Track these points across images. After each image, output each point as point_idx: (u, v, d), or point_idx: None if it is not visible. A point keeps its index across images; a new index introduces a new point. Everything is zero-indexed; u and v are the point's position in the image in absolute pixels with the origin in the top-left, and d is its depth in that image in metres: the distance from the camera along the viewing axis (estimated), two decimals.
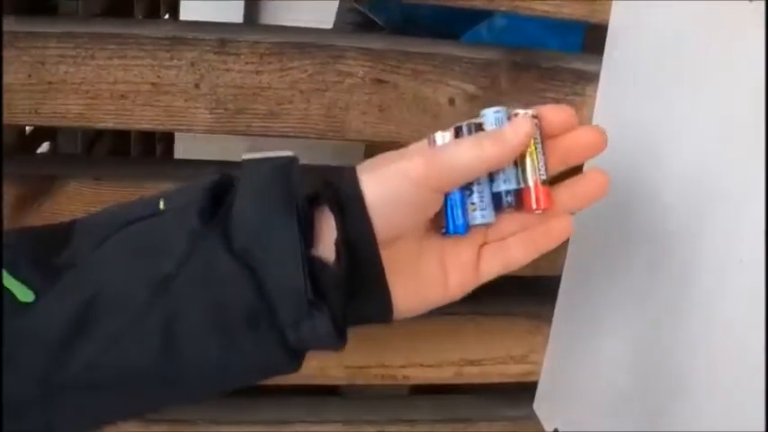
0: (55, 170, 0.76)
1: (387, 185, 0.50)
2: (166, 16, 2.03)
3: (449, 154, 0.50)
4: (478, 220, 0.52)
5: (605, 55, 0.75)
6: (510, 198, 0.52)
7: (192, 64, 0.71)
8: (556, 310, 0.83)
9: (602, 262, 0.75)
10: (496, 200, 0.53)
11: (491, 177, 0.53)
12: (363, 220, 0.50)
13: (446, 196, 0.52)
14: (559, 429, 0.82)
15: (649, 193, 0.68)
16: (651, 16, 0.68)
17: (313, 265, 0.48)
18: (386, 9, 1.61)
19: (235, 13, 2.42)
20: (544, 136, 0.52)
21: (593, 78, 0.76)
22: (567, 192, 0.54)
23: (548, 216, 0.54)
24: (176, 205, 0.50)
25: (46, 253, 0.50)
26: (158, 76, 0.72)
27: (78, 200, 0.75)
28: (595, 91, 0.76)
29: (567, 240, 0.78)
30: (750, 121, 0.55)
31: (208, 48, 0.71)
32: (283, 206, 0.49)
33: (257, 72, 0.72)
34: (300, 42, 0.72)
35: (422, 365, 0.85)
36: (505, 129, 0.51)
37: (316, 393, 0.88)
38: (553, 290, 0.82)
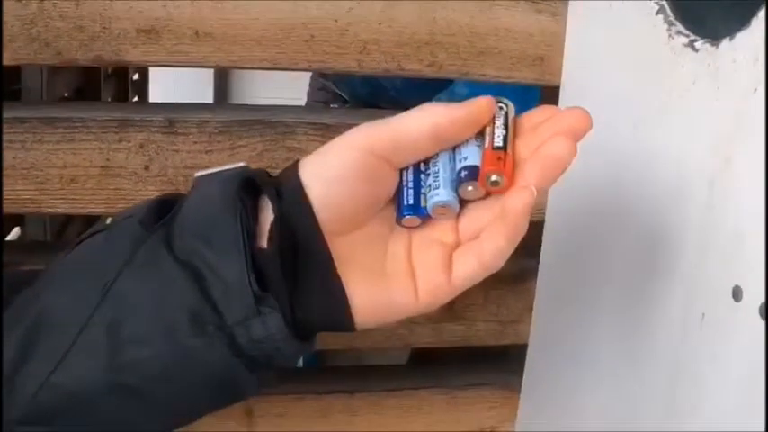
0: (14, 257, 0.75)
1: (328, 159, 0.48)
2: (135, 98, 2.05)
3: (395, 119, 0.48)
4: (432, 199, 0.49)
5: None
6: (465, 173, 0.48)
7: (141, 146, 0.71)
8: (524, 379, 0.82)
9: (568, 328, 0.74)
10: (457, 182, 0.49)
11: (453, 160, 0.50)
12: (300, 198, 0.47)
13: (401, 179, 0.50)
14: None
15: (608, 258, 0.67)
16: (601, 77, 0.68)
17: (257, 257, 0.47)
18: (351, 83, 1.62)
19: (205, 94, 2.43)
20: (525, 129, 0.50)
21: None
22: (532, 163, 0.48)
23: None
24: (122, 218, 0.50)
25: (8, 290, 0.49)
26: (107, 159, 0.71)
27: None
28: None
29: (531, 308, 0.78)
30: (711, 170, 0.55)
31: (156, 129, 0.71)
32: (227, 203, 0.47)
33: (206, 152, 0.72)
34: (249, 120, 0.72)
35: None
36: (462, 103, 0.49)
37: None
38: (521, 358, 0.81)
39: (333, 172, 0.48)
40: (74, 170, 0.71)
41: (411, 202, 0.49)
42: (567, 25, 0.74)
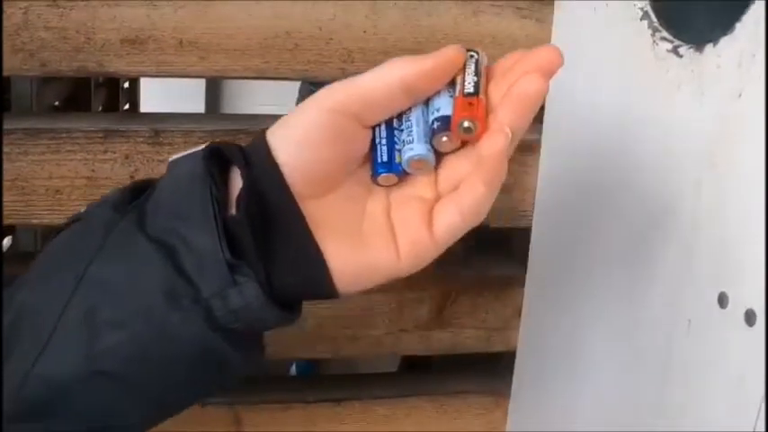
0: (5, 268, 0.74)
1: (295, 122, 0.47)
2: (126, 107, 2.04)
3: (362, 76, 0.47)
4: (407, 154, 0.47)
5: (544, 123, 0.75)
6: (437, 124, 0.47)
7: (127, 156, 0.71)
8: (513, 386, 0.81)
9: (556, 334, 0.74)
10: (431, 134, 0.47)
11: (426, 113, 0.48)
12: (268, 163, 0.46)
13: (374, 137, 0.48)
14: None
15: (595, 265, 0.67)
16: (587, 82, 0.68)
17: (228, 226, 0.45)
18: None
19: (196, 102, 2.42)
20: (497, 75, 0.48)
21: (532, 148, 0.75)
22: (503, 104, 0.46)
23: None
24: (94, 206, 0.50)
25: None
26: (93, 170, 0.71)
27: None
28: (536, 160, 0.75)
29: (519, 315, 0.78)
30: (696, 176, 0.55)
31: (141, 139, 0.71)
32: (196, 176, 0.46)
33: None
34: (233, 129, 0.72)
35: None
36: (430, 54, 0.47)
37: None
38: (509, 365, 0.81)
39: (300, 134, 0.47)
40: (59, 181, 0.71)
41: (385, 159, 0.48)
42: (553, 31, 0.73)
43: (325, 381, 0.81)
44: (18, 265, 0.74)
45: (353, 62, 0.72)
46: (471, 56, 0.48)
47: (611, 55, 0.64)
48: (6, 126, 0.69)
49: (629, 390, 0.63)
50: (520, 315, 0.78)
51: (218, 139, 0.50)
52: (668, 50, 0.58)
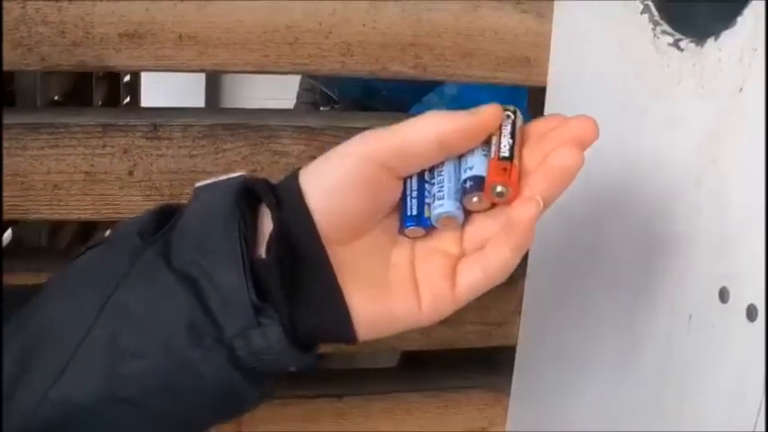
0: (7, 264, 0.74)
1: (329, 167, 0.47)
2: (127, 99, 2.04)
3: (399, 127, 0.47)
4: (436, 210, 0.48)
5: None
6: (470, 183, 0.47)
7: (125, 151, 0.70)
8: (513, 381, 0.81)
9: (556, 329, 0.74)
10: (462, 192, 0.48)
11: (458, 170, 0.48)
12: (299, 208, 0.47)
13: (405, 188, 0.48)
14: None
15: (595, 260, 0.67)
16: (588, 76, 0.68)
17: (255, 267, 0.46)
18: (342, 83, 1.61)
19: (197, 96, 2.42)
20: (532, 137, 0.49)
21: None
22: (538, 173, 0.47)
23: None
24: (120, 230, 0.50)
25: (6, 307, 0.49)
26: (91, 165, 0.70)
27: None
28: None
29: (520, 309, 0.78)
30: (697, 170, 0.55)
31: (140, 133, 0.70)
32: (226, 213, 0.46)
33: (191, 156, 0.71)
34: (233, 123, 0.71)
35: None
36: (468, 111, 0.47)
37: None
38: (510, 360, 0.80)
39: (333, 180, 0.47)
40: (58, 176, 0.71)
41: (414, 212, 0.48)
42: (553, 26, 0.73)
43: (326, 376, 0.81)
44: (20, 260, 0.75)
45: (353, 56, 0.71)
46: (508, 116, 0.48)
47: (612, 49, 0.64)
48: (5, 121, 0.69)
49: (629, 385, 0.62)
50: (520, 311, 0.78)
51: (247, 174, 0.50)
52: (669, 44, 0.57)
